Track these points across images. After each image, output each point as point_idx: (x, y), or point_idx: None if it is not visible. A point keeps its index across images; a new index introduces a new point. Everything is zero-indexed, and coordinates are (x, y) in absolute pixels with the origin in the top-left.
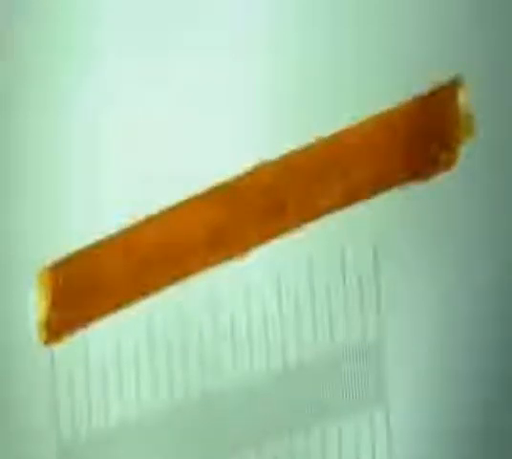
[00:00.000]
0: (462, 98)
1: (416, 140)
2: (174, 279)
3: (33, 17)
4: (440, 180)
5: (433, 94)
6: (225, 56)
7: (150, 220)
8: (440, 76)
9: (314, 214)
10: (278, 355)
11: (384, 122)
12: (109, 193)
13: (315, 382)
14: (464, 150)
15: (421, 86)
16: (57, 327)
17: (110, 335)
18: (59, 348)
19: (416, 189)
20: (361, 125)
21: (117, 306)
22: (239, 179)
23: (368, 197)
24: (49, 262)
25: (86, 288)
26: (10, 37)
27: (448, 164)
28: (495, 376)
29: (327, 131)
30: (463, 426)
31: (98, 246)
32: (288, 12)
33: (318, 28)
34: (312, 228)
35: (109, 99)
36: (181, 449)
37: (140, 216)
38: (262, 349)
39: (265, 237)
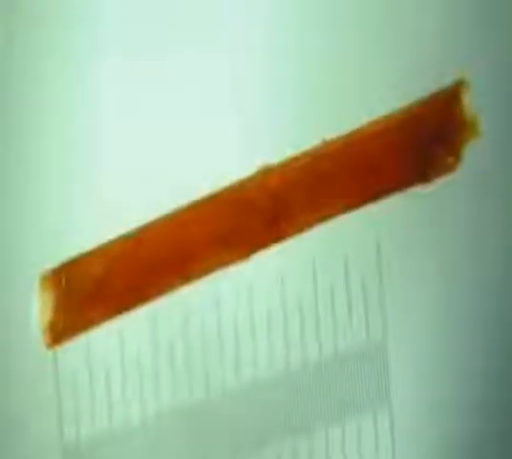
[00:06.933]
0: (466, 100)
1: (420, 142)
2: (178, 283)
3: (33, 17)
4: (444, 180)
5: (436, 96)
6: (226, 57)
7: (153, 224)
8: (444, 79)
9: (319, 218)
10: (281, 356)
11: (387, 125)
12: (113, 196)
13: (318, 382)
14: (468, 152)
15: (425, 89)
16: (61, 330)
17: (113, 335)
18: (62, 349)
19: (420, 190)
20: (364, 128)
21: (121, 309)
22: (243, 182)
23: (372, 200)
24: (52, 265)
25: (89, 291)
26: (10, 37)
27: (452, 167)
28: (498, 376)
29: (331, 134)
30: (466, 427)
31: (102, 249)
32: (289, 14)
33: (319, 30)
34: (315, 228)
35: (110, 101)
36: (185, 450)
37: (144, 220)
38: (265, 350)
39: (270, 241)
